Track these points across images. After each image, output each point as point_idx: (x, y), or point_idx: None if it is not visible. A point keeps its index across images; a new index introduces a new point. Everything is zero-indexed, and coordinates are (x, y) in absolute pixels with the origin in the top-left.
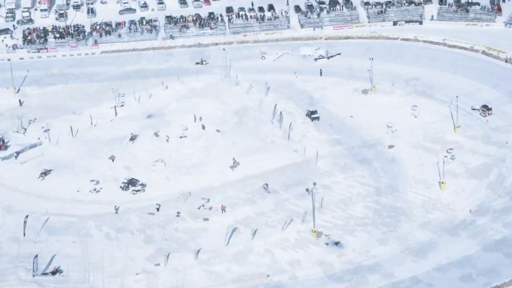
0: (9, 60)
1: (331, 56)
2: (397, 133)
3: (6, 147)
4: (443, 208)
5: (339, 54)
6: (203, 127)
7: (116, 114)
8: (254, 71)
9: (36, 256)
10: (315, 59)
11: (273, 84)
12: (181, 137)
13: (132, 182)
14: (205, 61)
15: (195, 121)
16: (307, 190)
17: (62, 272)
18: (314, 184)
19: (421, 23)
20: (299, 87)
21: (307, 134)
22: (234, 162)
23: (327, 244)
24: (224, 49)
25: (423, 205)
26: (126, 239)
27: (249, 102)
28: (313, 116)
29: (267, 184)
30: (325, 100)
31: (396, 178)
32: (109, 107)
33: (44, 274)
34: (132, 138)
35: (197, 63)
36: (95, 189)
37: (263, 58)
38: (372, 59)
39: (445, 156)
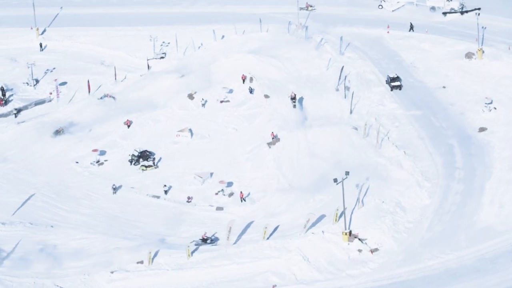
0: None
1: (467, 11)
2: (495, 113)
3: (5, 102)
4: None
5: (479, 9)
6: (251, 91)
7: (148, 68)
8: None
9: None
10: (444, 13)
11: (358, 39)
12: (222, 101)
13: (143, 155)
14: (311, 6)
15: (243, 83)
16: (335, 180)
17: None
18: (347, 173)
19: None
20: (388, 45)
21: (378, 108)
22: (273, 138)
23: (360, 251)
24: None
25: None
26: (110, 229)
27: (317, 61)
28: (393, 84)
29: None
30: (416, 63)
31: (474, 181)
32: (144, 58)
33: None
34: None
35: (301, 9)
36: (97, 161)
37: (380, 7)
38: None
39: None
